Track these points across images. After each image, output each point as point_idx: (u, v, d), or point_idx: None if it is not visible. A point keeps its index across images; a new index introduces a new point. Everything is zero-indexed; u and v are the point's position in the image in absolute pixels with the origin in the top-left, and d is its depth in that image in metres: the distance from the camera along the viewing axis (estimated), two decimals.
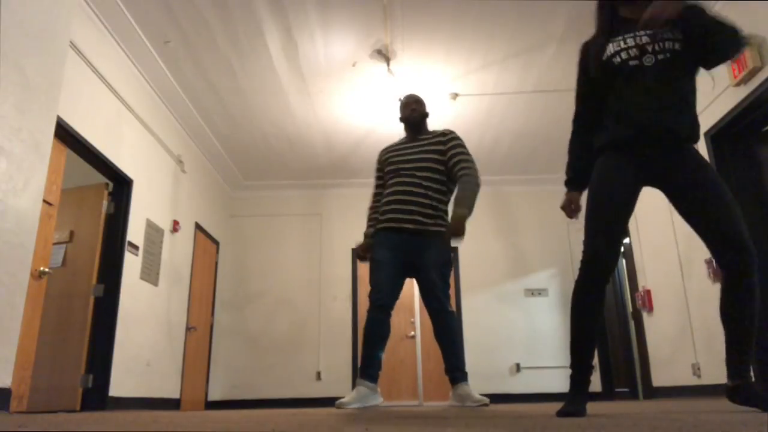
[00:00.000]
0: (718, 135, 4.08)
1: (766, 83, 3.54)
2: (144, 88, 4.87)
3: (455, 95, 5.35)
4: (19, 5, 2.57)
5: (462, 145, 3.05)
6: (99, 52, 4.11)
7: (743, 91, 3.75)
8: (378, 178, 3.22)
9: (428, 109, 3.42)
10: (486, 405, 2.77)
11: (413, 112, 3.16)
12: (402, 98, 3.31)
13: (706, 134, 4.19)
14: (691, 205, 1.76)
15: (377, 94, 5.32)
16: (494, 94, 5.38)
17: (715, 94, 4.04)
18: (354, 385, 2.90)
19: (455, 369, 2.90)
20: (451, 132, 3.09)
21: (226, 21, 4.30)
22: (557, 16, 4.31)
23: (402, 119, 3.23)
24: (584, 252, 1.77)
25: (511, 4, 4.18)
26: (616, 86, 1.83)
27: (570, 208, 2.03)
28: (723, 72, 3.90)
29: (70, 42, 3.55)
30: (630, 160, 1.79)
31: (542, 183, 7.27)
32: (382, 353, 2.91)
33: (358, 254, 3.12)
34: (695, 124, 1.80)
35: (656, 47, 1.78)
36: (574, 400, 1.72)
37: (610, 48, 1.85)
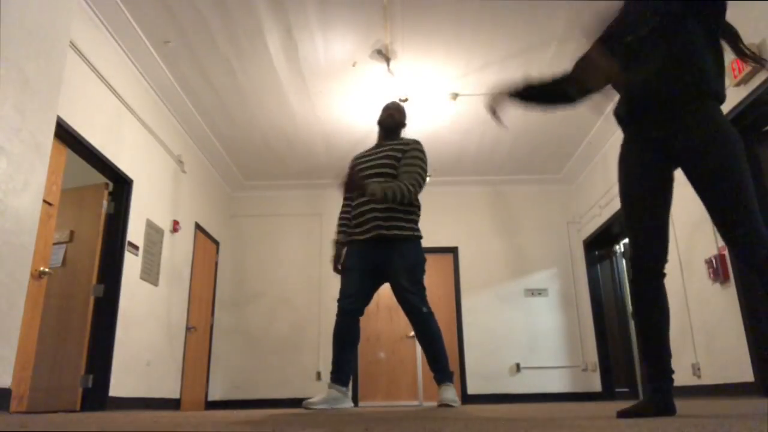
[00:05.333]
0: None
1: (766, 83, 3.54)
2: (144, 88, 4.87)
3: (455, 95, 5.35)
4: (19, 5, 2.57)
5: (419, 158, 3.01)
6: (99, 52, 4.11)
7: (743, 91, 3.75)
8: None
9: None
10: (449, 406, 2.78)
11: (389, 117, 3.17)
12: (385, 104, 3.30)
13: None
14: (695, 181, 1.63)
15: (377, 94, 5.31)
16: None
17: None
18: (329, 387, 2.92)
19: (437, 370, 2.91)
20: (416, 143, 3.06)
21: (226, 21, 4.30)
22: (557, 16, 4.30)
23: (378, 122, 3.23)
24: (630, 253, 1.71)
25: (511, 4, 4.18)
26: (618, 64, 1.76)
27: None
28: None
29: (70, 42, 3.55)
30: (642, 141, 1.72)
31: (542, 183, 7.27)
32: (351, 357, 2.94)
33: (334, 266, 3.09)
34: (699, 81, 1.63)
35: (648, 14, 1.72)
36: (647, 399, 1.62)
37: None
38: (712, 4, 1.68)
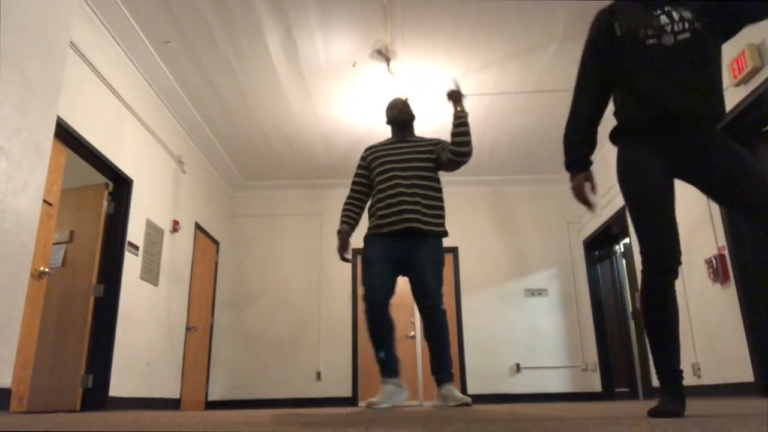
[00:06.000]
0: None
1: (766, 83, 3.54)
2: (144, 88, 4.87)
3: None
4: (19, 6, 2.57)
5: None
6: (99, 52, 4.11)
7: (743, 91, 3.75)
8: (360, 176, 3.15)
9: (417, 111, 3.41)
10: (467, 405, 2.76)
11: (402, 112, 3.17)
12: (389, 102, 3.29)
13: None
14: (725, 192, 1.64)
15: (377, 94, 5.31)
16: (494, 94, 5.37)
17: None
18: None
19: (442, 369, 2.89)
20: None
21: (226, 21, 4.30)
22: (557, 16, 4.31)
23: (389, 121, 3.22)
24: (644, 254, 1.67)
25: (511, 4, 4.18)
26: (632, 65, 1.74)
27: (582, 193, 1.85)
28: (723, 72, 3.90)
29: (70, 42, 3.55)
30: (653, 148, 1.71)
31: (542, 183, 7.27)
32: (394, 346, 2.93)
33: (341, 255, 3.04)
34: (720, 104, 1.69)
35: (675, 27, 1.70)
36: (668, 399, 1.61)
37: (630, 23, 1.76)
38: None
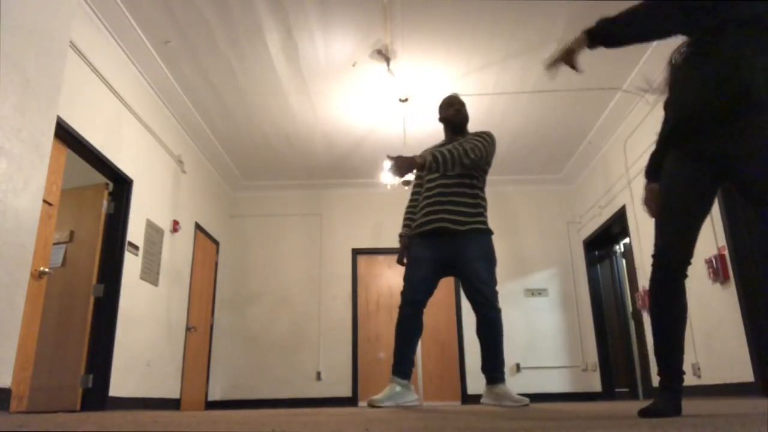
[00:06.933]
0: None
1: None
2: (144, 88, 4.87)
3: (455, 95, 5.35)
4: (20, 5, 2.57)
5: (484, 138, 2.93)
6: (99, 52, 4.11)
7: None
8: (417, 177, 3.22)
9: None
10: (526, 405, 2.73)
11: (457, 113, 3.10)
12: (445, 98, 3.25)
13: None
14: (753, 195, 1.56)
15: (377, 94, 5.31)
16: (494, 94, 5.37)
17: None
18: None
19: (495, 369, 2.87)
20: (488, 132, 3.00)
21: (226, 21, 4.30)
22: (557, 16, 4.31)
23: (442, 119, 3.17)
24: (654, 248, 1.71)
25: (511, 4, 4.18)
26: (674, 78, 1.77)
27: (650, 202, 1.86)
28: None
29: (70, 42, 3.54)
30: (690, 154, 1.68)
31: (542, 183, 7.27)
32: (414, 349, 2.91)
33: (398, 260, 3.13)
34: (741, 91, 1.53)
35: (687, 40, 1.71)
36: (663, 398, 1.61)
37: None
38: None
